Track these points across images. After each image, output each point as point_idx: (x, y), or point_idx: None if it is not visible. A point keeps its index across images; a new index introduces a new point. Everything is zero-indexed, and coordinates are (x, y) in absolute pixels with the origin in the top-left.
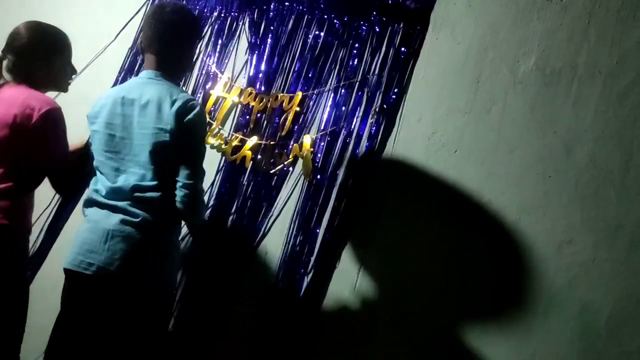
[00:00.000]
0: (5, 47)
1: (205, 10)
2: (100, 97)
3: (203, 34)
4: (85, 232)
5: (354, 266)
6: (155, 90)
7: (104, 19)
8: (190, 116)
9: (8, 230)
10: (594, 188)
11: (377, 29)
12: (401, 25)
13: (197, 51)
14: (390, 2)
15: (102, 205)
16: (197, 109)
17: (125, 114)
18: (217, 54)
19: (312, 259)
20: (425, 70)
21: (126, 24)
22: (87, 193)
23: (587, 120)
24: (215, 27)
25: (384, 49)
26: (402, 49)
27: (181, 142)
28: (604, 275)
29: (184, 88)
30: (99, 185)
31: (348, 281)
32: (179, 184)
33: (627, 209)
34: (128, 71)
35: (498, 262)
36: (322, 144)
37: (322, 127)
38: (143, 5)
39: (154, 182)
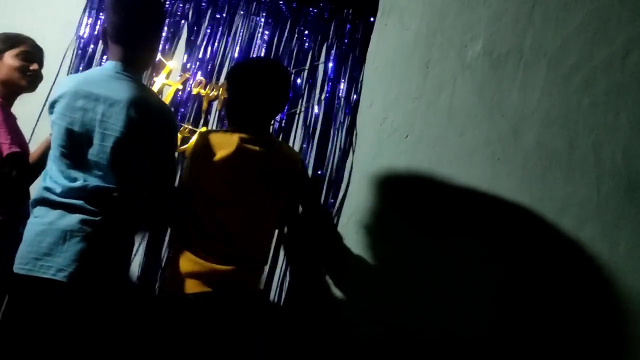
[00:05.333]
0: None
1: None
2: (60, 83)
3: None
4: (37, 234)
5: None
6: (123, 88)
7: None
8: (160, 122)
9: None
10: (541, 170)
11: (326, 15)
12: (350, 11)
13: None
14: None
15: (55, 205)
16: (169, 115)
17: (86, 109)
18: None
19: None
20: (375, 55)
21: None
22: (37, 191)
23: (533, 104)
24: None
25: (333, 35)
26: (352, 34)
27: (149, 146)
28: (554, 254)
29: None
30: (51, 182)
31: None
32: (150, 185)
33: (573, 190)
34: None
35: (448, 244)
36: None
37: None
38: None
39: (114, 185)
